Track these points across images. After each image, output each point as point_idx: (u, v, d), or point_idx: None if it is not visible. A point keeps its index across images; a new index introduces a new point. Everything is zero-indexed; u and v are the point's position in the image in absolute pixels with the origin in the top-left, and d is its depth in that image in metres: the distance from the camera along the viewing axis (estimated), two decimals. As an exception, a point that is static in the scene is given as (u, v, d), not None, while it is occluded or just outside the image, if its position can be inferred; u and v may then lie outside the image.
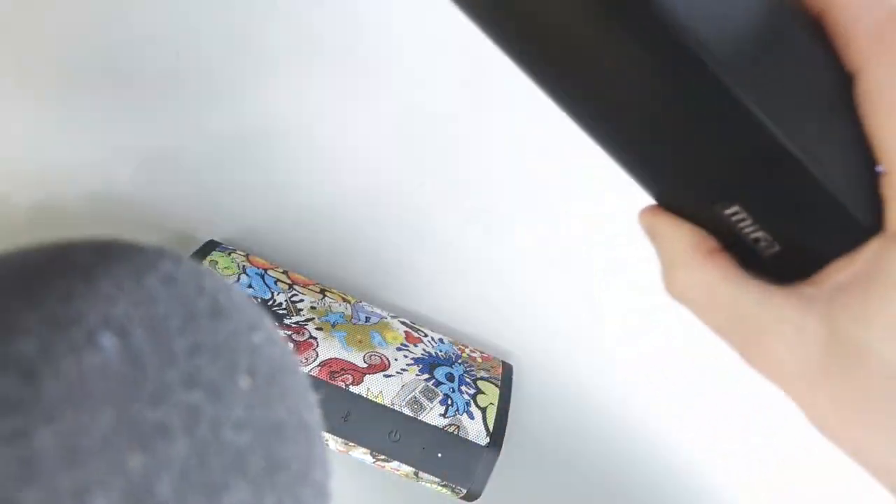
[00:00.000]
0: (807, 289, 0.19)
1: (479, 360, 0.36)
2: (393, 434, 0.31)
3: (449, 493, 0.32)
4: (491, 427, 0.32)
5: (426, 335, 0.36)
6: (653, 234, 0.23)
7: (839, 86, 0.17)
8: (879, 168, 0.17)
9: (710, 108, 0.17)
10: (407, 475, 0.32)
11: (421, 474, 0.32)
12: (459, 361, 0.35)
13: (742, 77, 0.17)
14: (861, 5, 0.17)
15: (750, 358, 0.20)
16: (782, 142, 0.17)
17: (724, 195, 0.19)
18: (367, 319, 0.35)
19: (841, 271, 0.18)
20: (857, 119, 0.17)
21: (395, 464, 0.31)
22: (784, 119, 0.17)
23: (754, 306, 0.20)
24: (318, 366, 0.31)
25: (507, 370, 0.36)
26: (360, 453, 0.32)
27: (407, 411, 0.31)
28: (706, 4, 0.16)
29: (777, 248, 0.20)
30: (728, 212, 0.19)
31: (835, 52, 0.17)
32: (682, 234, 0.21)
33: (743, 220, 0.19)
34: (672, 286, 0.21)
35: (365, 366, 0.32)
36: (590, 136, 0.20)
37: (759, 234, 0.20)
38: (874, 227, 0.18)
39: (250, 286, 0.33)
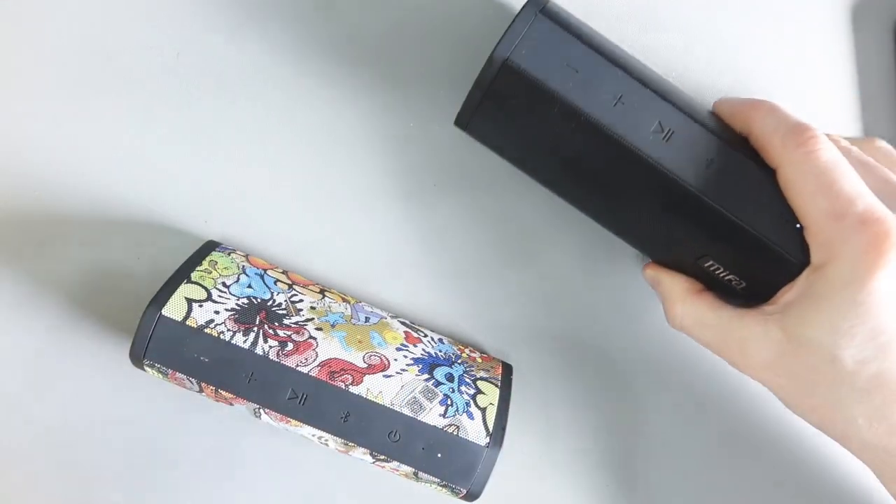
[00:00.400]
0: (767, 307, 0.28)
1: (479, 360, 0.36)
2: (393, 434, 0.31)
3: (448, 493, 0.32)
4: (491, 427, 0.32)
5: (426, 335, 0.36)
6: (655, 282, 0.32)
7: (766, 177, 0.27)
8: (798, 225, 0.27)
9: (690, 206, 0.27)
10: (406, 475, 0.32)
11: (420, 474, 0.32)
12: (459, 362, 0.35)
13: (707, 188, 0.27)
14: (772, 125, 0.27)
15: (734, 361, 0.29)
16: (733, 219, 0.27)
17: (703, 255, 0.29)
18: (367, 320, 0.35)
19: (787, 293, 0.27)
20: (781, 195, 0.27)
21: (394, 464, 0.31)
22: (733, 205, 0.27)
23: (733, 324, 0.28)
24: (318, 366, 0.31)
25: (507, 370, 0.36)
26: (360, 453, 0.32)
27: (407, 412, 0.31)
28: (687, 158, 0.27)
29: (744, 284, 0.29)
30: (707, 265, 0.29)
31: (759, 156, 0.28)
32: (677, 281, 0.31)
33: (717, 269, 0.29)
34: (673, 319, 0.31)
35: (365, 366, 0.32)
36: (609, 230, 0.32)
37: (731, 276, 0.29)
38: (804, 262, 0.27)
39: (250, 286, 0.33)
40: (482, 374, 0.34)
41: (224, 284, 0.33)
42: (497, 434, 0.32)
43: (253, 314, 0.32)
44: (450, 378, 0.33)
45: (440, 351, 0.35)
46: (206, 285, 0.33)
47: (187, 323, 0.31)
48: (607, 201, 0.30)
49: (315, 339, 0.32)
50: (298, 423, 0.31)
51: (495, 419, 0.32)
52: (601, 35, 0.29)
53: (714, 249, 0.28)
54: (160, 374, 0.32)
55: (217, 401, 0.32)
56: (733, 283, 0.29)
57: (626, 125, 0.26)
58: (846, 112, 0.36)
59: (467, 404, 0.32)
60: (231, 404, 0.32)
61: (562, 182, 0.31)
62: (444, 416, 0.32)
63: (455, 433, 0.31)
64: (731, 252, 0.28)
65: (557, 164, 0.29)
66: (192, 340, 0.31)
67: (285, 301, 0.34)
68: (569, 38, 0.26)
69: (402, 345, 0.34)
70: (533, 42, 0.26)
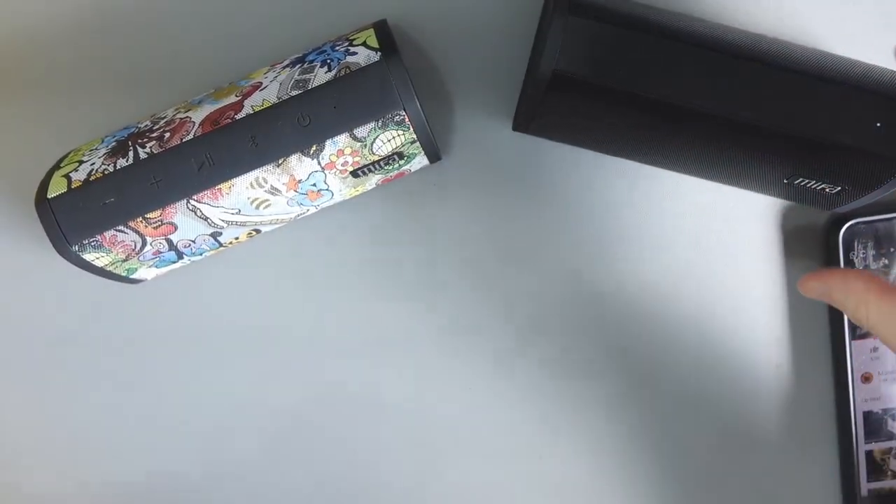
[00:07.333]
0: None
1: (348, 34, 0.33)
2: (302, 119, 0.29)
3: (399, 131, 0.30)
4: (376, 45, 0.30)
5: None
6: (825, 294, 0.30)
7: (833, 88, 0.28)
8: (878, 124, 0.28)
9: (769, 140, 0.29)
10: (355, 153, 0.30)
11: (357, 132, 0.29)
12: (328, 44, 0.32)
13: (785, 119, 0.28)
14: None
15: None
16: (813, 136, 0.28)
17: (791, 175, 0.30)
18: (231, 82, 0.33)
19: None
20: (853, 102, 0.28)
21: (330, 147, 0.29)
22: (808, 125, 0.28)
23: None
24: (199, 126, 0.30)
25: (381, 24, 0.33)
26: (295, 161, 0.30)
27: (297, 92, 0.29)
28: (751, 96, 0.28)
29: (837, 188, 0.30)
30: (797, 182, 0.30)
31: (822, 71, 0.29)
32: (851, 283, 0.29)
33: (808, 182, 0.30)
34: (866, 321, 0.28)
35: (239, 98, 0.30)
36: (693, 176, 0.33)
37: (823, 186, 0.30)
38: (893, 155, 0.28)
39: (114, 138, 0.32)
40: (354, 36, 0.32)
41: (91, 151, 0.32)
42: (386, 46, 0.30)
43: (124, 143, 0.31)
44: (321, 52, 0.31)
45: (307, 50, 0.33)
46: (74, 161, 0.32)
47: (73, 188, 0.30)
48: (685, 157, 0.31)
49: (188, 117, 0.31)
50: (228, 184, 0.30)
51: (378, 38, 0.30)
52: None
53: (802, 168, 0.29)
54: (98, 252, 0.31)
55: (162, 235, 0.31)
56: (826, 190, 0.30)
57: (687, 88, 0.27)
58: None
59: (346, 52, 0.30)
60: (174, 229, 0.31)
61: (632, 151, 0.31)
62: (329, 70, 0.29)
63: (348, 71, 0.29)
64: (820, 165, 0.29)
65: (626, 139, 0.30)
66: (88, 194, 0.30)
67: (149, 121, 0.32)
68: (604, 29, 0.27)
69: (269, 68, 0.32)
70: (573, 45, 0.27)
